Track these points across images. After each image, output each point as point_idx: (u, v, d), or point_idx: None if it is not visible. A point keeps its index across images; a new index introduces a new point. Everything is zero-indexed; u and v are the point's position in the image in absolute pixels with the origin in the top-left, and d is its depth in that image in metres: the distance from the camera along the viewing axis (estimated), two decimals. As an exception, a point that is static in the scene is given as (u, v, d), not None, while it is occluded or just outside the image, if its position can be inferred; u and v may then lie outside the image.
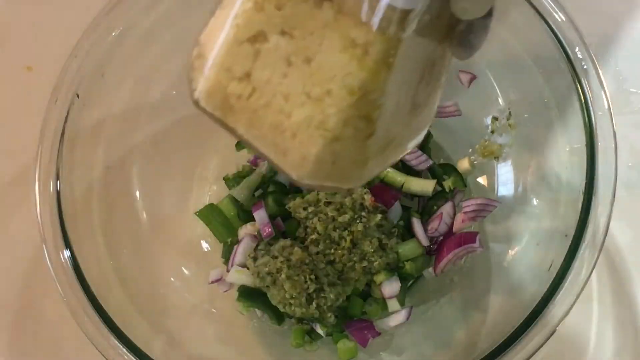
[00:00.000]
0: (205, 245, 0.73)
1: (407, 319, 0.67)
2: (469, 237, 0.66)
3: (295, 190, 0.72)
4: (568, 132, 0.63)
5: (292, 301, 0.64)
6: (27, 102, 0.84)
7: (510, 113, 0.70)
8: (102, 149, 0.69)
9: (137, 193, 0.72)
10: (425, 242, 0.68)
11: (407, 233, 0.69)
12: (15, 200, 0.80)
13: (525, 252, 0.66)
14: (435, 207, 0.70)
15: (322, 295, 0.64)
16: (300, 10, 0.33)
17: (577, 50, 0.61)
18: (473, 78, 0.72)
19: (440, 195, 0.71)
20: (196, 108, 0.37)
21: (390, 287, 0.66)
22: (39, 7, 0.90)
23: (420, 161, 0.70)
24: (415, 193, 0.69)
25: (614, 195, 0.57)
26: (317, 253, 0.66)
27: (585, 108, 0.60)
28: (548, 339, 0.54)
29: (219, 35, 0.35)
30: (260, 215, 0.69)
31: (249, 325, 0.70)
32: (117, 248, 0.67)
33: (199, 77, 0.35)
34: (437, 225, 0.68)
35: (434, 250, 0.69)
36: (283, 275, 0.64)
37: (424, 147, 0.72)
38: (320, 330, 0.66)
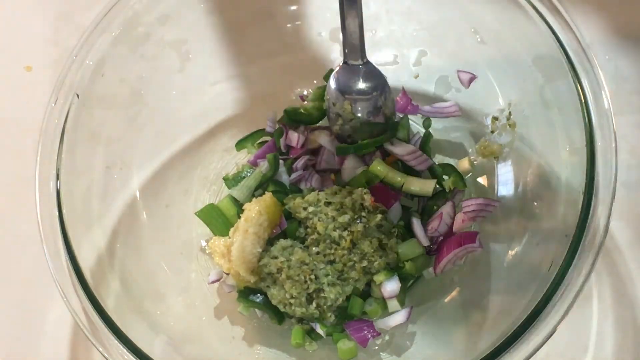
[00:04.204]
0: (205, 245, 0.73)
1: (407, 319, 0.67)
2: (469, 237, 0.66)
3: (295, 190, 0.72)
4: (568, 132, 0.63)
5: (292, 301, 0.64)
6: (27, 102, 0.84)
7: (510, 113, 0.70)
8: (102, 149, 0.69)
9: (137, 193, 0.72)
10: (425, 242, 0.68)
11: (407, 233, 0.69)
12: (15, 200, 0.80)
13: (525, 252, 0.65)
14: (435, 207, 0.70)
15: (322, 295, 0.64)
16: None
17: (577, 50, 0.61)
18: (473, 78, 0.72)
19: (440, 195, 0.71)
20: None
21: (390, 287, 0.66)
22: (39, 7, 0.90)
23: (420, 161, 0.70)
24: (415, 193, 0.69)
25: (614, 195, 0.57)
26: (317, 253, 0.66)
27: (585, 108, 0.59)
28: (548, 339, 0.54)
29: None
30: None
31: (249, 325, 0.70)
32: (117, 248, 0.67)
33: None
34: (437, 225, 0.68)
35: (434, 250, 0.69)
36: (283, 275, 0.64)
37: (424, 147, 0.72)
38: (320, 330, 0.66)
